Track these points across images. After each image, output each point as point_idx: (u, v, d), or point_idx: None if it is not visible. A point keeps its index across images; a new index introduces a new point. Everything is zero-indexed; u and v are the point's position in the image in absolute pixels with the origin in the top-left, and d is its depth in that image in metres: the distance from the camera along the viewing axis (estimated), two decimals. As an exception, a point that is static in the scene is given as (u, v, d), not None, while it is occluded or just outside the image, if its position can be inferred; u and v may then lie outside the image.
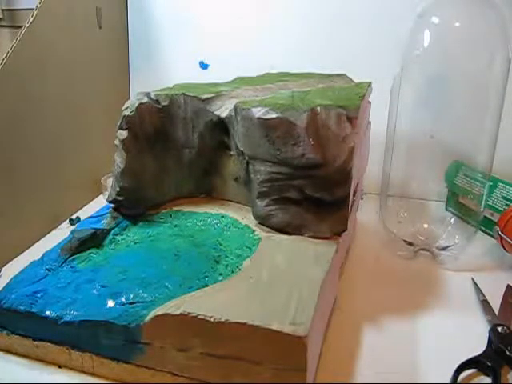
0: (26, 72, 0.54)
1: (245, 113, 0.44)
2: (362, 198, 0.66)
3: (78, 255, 0.43)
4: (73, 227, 0.49)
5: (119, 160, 0.47)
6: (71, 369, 0.38)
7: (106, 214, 0.48)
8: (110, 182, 0.52)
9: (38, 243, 0.56)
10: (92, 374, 0.38)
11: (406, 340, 0.41)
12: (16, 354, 0.39)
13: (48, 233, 0.59)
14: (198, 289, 0.37)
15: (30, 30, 0.54)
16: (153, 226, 0.47)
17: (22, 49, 0.53)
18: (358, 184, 0.52)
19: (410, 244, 0.54)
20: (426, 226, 0.58)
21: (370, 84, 0.53)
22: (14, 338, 0.39)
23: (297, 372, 0.32)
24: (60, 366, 0.38)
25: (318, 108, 0.42)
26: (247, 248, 0.43)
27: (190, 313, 0.33)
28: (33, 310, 0.37)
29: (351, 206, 0.45)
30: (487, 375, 0.38)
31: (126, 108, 0.47)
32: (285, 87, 0.52)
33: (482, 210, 0.54)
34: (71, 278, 0.39)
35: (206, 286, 0.38)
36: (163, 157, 0.50)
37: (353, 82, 0.55)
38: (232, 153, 0.49)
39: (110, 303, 0.36)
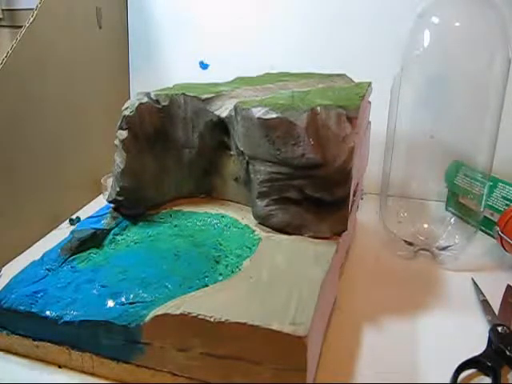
0: (26, 72, 0.54)
1: (245, 113, 0.44)
2: (361, 198, 0.66)
3: (78, 255, 0.43)
4: (73, 227, 0.49)
5: (119, 160, 0.47)
6: (71, 369, 0.38)
7: (106, 213, 0.48)
8: (110, 181, 0.52)
9: (37, 243, 0.56)
10: (92, 374, 0.38)
11: (406, 340, 0.41)
12: (16, 354, 0.39)
13: (48, 233, 0.59)
14: (198, 289, 0.37)
15: (29, 30, 0.54)
16: (153, 226, 0.47)
17: (22, 49, 0.53)
18: (358, 184, 0.52)
19: (410, 244, 0.54)
20: (426, 225, 0.58)
21: (369, 84, 0.53)
22: (14, 338, 0.39)
23: (297, 372, 0.32)
24: (60, 366, 0.38)
25: (318, 108, 0.42)
26: (247, 248, 0.43)
27: (190, 313, 0.33)
28: (33, 310, 0.37)
29: (351, 206, 0.45)
30: (487, 375, 0.38)
31: (126, 108, 0.47)
32: (285, 87, 0.52)
33: (482, 209, 0.54)
34: (71, 278, 0.39)
35: (206, 286, 0.38)
36: (163, 157, 0.50)
37: (353, 81, 0.55)
38: (232, 153, 0.49)
39: (110, 303, 0.36)
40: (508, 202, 0.57)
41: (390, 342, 0.41)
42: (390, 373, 0.38)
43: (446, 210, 0.61)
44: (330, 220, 0.43)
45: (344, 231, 0.43)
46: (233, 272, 0.40)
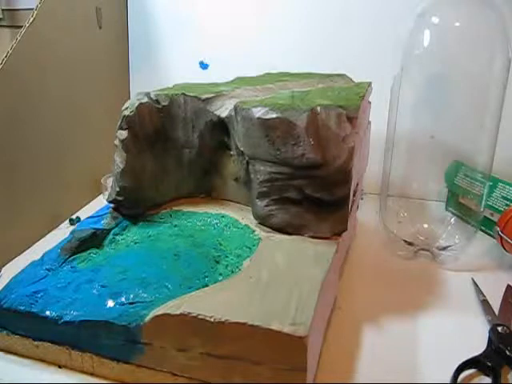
0: (26, 72, 0.54)
1: (245, 113, 0.44)
2: (361, 198, 0.66)
3: (77, 255, 0.43)
4: (73, 227, 0.49)
5: (119, 160, 0.47)
6: (71, 369, 0.38)
7: (106, 213, 0.48)
8: (110, 181, 0.52)
9: (37, 243, 0.56)
10: (92, 374, 0.38)
11: (405, 340, 0.41)
12: (16, 354, 0.39)
13: (48, 233, 0.59)
14: (197, 289, 0.37)
15: (29, 30, 0.54)
16: (153, 226, 0.47)
17: (21, 49, 0.53)
18: (358, 184, 0.52)
19: (410, 244, 0.54)
20: (426, 225, 0.58)
21: (370, 84, 0.53)
22: (14, 337, 0.39)
23: (297, 372, 0.32)
24: (60, 366, 0.38)
25: (318, 108, 0.42)
26: (247, 248, 0.43)
27: (190, 313, 0.33)
28: (33, 310, 0.37)
29: (351, 206, 0.45)
30: (487, 375, 0.38)
31: (126, 108, 0.47)
32: (285, 87, 0.52)
33: (482, 209, 0.54)
34: (71, 278, 0.39)
35: (206, 285, 0.38)
36: (163, 157, 0.50)
37: (353, 81, 0.55)
38: (232, 153, 0.49)
39: (110, 303, 0.36)
40: (508, 202, 0.57)
41: (390, 342, 0.41)
42: (390, 373, 0.38)
43: (446, 209, 0.61)
44: (330, 220, 0.43)
45: (344, 231, 0.43)
46: (233, 272, 0.40)
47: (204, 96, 0.49)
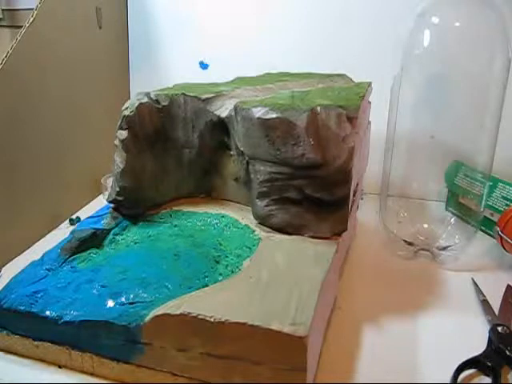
0: (26, 72, 0.54)
1: (245, 113, 0.44)
2: (361, 198, 0.66)
3: (77, 255, 0.43)
4: (73, 227, 0.49)
5: (119, 160, 0.47)
6: (71, 369, 0.38)
7: (106, 214, 0.48)
8: (110, 181, 0.52)
9: (37, 243, 0.56)
10: (92, 374, 0.38)
11: (406, 340, 0.41)
12: (16, 354, 0.39)
13: (48, 233, 0.59)
14: (198, 289, 0.37)
15: (29, 30, 0.54)
16: (153, 226, 0.47)
17: (22, 49, 0.53)
18: (358, 184, 0.52)
19: (410, 244, 0.54)
20: (426, 225, 0.58)
21: (369, 84, 0.53)
22: (14, 338, 0.39)
23: (297, 372, 0.32)
24: (60, 366, 0.38)
25: (318, 108, 0.42)
26: (247, 248, 0.43)
27: (190, 313, 0.33)
28: (33, 310, 0.37)
29: (351, 206, 0.45)
30: (487, 375, 0.38)
31: (126, 108, 0.47)
32: (285, 87, 0.52)
33: (482, 209, 0.54)
34: (71, 278, 0.39)
35: (206, 286, 0.38)
36: (163, 157, 0.50)
37: (353, 81, 0.55)
38: (232, 153, 0.49)
39: (110, 303, 0.36)
40: (508, 202, 0.57)
41: (390, 342, 0.41)
42: (390, 373, 0.38)
43: (446, 209, 0.61)
44: (330, 220, 0.43)
45: (344, 231, 0.43)
46: (233, 272, 0.40)
47: (204, 96, 0.49)
